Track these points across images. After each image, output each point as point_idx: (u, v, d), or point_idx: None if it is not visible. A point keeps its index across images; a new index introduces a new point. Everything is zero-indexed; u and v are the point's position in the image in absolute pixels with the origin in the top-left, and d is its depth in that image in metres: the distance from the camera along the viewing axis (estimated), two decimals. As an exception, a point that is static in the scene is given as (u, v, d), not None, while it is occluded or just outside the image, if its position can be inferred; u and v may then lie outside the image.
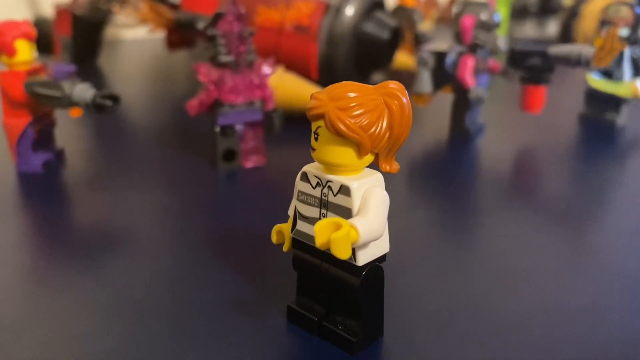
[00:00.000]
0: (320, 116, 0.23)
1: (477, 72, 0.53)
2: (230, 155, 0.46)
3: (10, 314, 0.28)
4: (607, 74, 0.56)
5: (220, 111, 0.44)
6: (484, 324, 0.28)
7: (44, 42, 0.83)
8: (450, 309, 0.29)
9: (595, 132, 0.58)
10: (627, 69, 0.54)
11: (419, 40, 0.85)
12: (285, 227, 0.27)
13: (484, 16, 0.51)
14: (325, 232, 0.22)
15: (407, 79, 0.75)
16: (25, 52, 0.43)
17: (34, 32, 0.43)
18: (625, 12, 0.53)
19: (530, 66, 0.52)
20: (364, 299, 0.25)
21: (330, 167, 0.24)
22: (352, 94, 0.23)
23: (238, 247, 0.35)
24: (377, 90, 0.23)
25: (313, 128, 0.24)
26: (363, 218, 0.23)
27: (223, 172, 0.46)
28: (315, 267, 0.26)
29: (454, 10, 0.54)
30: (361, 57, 0.63)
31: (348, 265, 0.24)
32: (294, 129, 0.56)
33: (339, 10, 0.61)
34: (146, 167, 0.48)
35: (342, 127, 0.22)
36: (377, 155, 0.24)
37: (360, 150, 0.23)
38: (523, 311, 0.29)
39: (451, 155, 0.52)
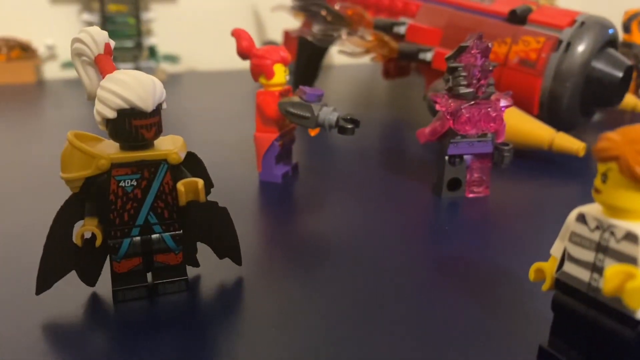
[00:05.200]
0: (613, 158, 0.22)
1: None
2: (455, 184, 0.47)
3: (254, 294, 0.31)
4: None
5: (452, 141, 0.45)
6: None
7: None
8: None
9: None
10: None
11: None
12: (547, 266, 0.26)
13: None
14: (616, 279, 0.21)
15: (629, 119, 0.70)
16: (280, 74, 0.48)
17: (289, 57, 0.48)
18: None
19: None
20: (633, 356, 0.24)
21: (615, 211, 0.23)
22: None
23: (459, 275, 0.35)
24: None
25: (601, 170, 0.23)
26: (655, 269, 0.22)
27: (446, 200, 0.47)
28: (580, 312, 0.25)
29: None
30: (589, 95, 0.60)
31: (622, 317, 0.23)
32: (518, 163, 0.55)
33: (569, 46, 0.59)
34: (368, 187, 0.51)
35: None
36: (666, 204, 0.23)
37: (653, 197, 0.22)
38: None
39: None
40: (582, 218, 0.25)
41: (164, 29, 1.07)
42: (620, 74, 0.59)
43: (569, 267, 0.25)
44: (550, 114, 0.60)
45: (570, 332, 0.26)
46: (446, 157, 0.46)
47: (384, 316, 0.31)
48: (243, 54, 0.49)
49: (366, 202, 0.47)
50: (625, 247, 0.23)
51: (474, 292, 0.33)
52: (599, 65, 0.60)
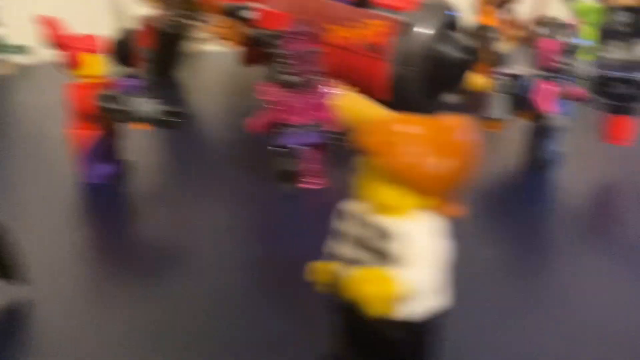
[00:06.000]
0: (369, 148, 0.21)
1: (557, 98, 0.49)
2: (288, 176, 0.45)
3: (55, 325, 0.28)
4: None
5: (279, 131, 0.43)
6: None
7: (127, 54, 0.86)
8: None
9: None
10: None
11: (498, 61, 0.81)
12: (323, 266, 0.25)
13: (565, 38, 0.47)
14: (360, 284, 0.20)
15: (481, 101, 0.71)
16: (94, 65, 0.44)
17: (96, 46, 0.44)
18: None
19: (619, 94, 0.48)
20: (404, 356, 0.23)
21: (373, 206, 0.22)
22: (408, 127, 0.21)
23: (284, 275, 0.34)
24: (440, 124, 0.21)
25: (359, 163, 0.22)
26: (409, 269, 0.21)
27: (280, 193, 0.45)
28: (354, 314, 0.24)
29: (533, 31, 0.50)
30: (434, 77, 0.60)
31: (389, 319, 0.22)
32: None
33: (412, 28, 0.59)
34: (208, 183, 0.48)
35: (395, 164, 0.20)
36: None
37: (414, 191, 0.21)
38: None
39: (524, 188, 0.48)
40: (344, 214, 0.23)
41: (13, 18, 0.98)
42: (462, 56, 0.60)
43: (339, 268, 0.24)
44: (398, 98, 0.60)
45: (348, 334, 0.25)
46: (276, 148, 0.44)
47: (201, 323, 0.29)
48: (53, 43, 0.44)
49: (200, 199, 0.45)
50: (385, 245, 0.22)
51: (279, 294, 0.32)
52: (442, 47, 0.60)
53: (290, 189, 0.45)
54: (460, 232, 0.40)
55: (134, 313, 0.30)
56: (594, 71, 0.50)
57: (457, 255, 0.37)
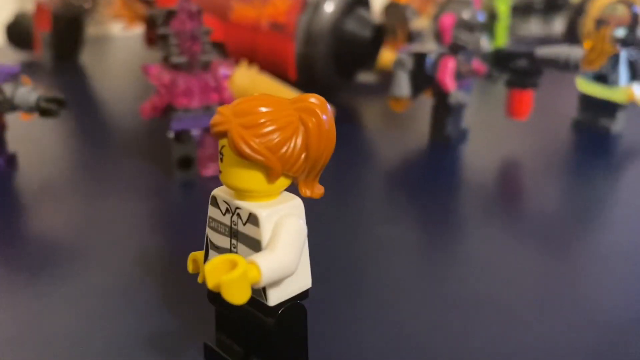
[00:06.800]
0: (223, 134, 0.20)
1: (459, 74, 0.49)
2: (186, 162, 0.43)
3: None
4: (602, 78, 0.52)
5: (173, 116, 0.41)
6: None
7: (25, 38, 0.81)
8: (398, 348, 0.26)
9: (588, 140, 0.54)
10: (622, 72, 0.50)
11: (412, 38, 0.81)
12: (200, 255, 0.24)
13: (466, 15, 0.47)
14: (217, 273, 0.19)
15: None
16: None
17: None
18: (622, 11, 0.50)
19: (517, 69, 0.49)
20: (280, 342, 0.22)
21: (236, 191, 0.21)
22: (261, 109, 0.20)
23: (177, 268, 0.32)
24: (293, 105, 0.20)
25: (219, 147, 0.21)
26: (269, 253, 0.20)
27: (179, 181, 0.43)
28: (230, 303, 0.23)
29: (435, 8, 0.50)
30: (342, 56, 0.60)
31: (262, 305, 0.21)
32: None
33: (317, 6, 0.57)
34: (102, 174, 0.45)
35: (246, 149, 0.19)
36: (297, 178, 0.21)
37: (269, 174, 0.20)
38: (482, 351, 0.26)
39: (430, 164, 0.49)
40: (214, 201, 0.22)
41: None
42: (368, 34, 0.60)
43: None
44: (306, 78, 0.59)
45: (229, 325, 0.24)
46: (171, 134, 0.42)
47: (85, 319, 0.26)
48: None
49: (95, 190, 0.42)
50: (250, 230, 0.21)
51: (171, 287, 0.30)
52: (349, 25, 0.59)
53: (187, 176, 0.43)
54: (367, 209, 0.40)
55: (23, 313, 0.27)
56: (488, 47, 0.50)
57: (362, 230, 0.36)
